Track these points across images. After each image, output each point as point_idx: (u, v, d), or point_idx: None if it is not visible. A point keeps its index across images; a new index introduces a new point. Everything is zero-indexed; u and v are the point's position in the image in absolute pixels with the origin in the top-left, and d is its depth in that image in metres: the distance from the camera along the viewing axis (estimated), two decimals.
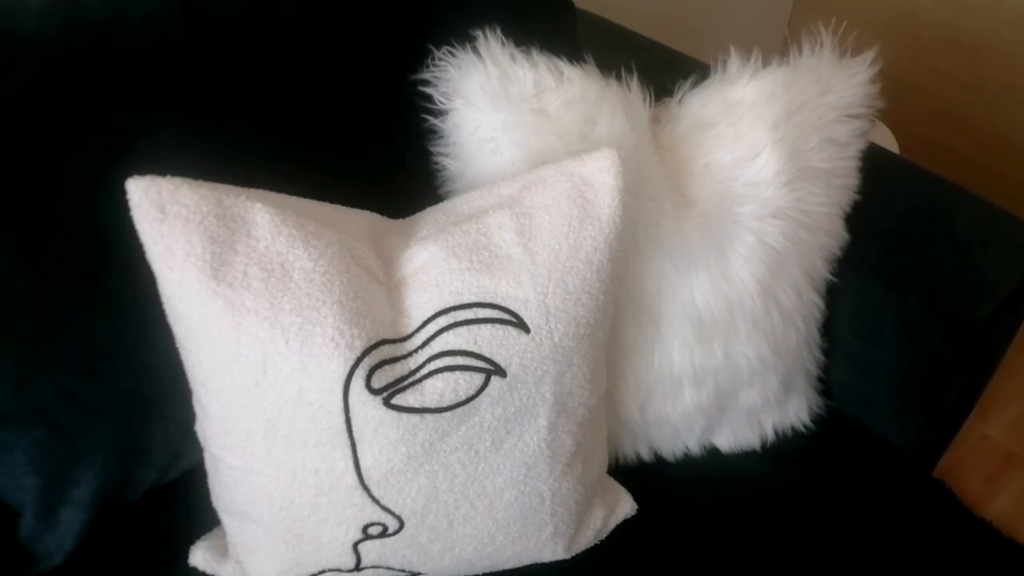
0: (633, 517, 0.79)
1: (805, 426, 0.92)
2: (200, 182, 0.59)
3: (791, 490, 0.87)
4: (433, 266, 0.63)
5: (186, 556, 0.71)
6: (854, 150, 0.82)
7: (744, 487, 0.87)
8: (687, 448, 0.87)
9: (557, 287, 0.62)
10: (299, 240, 0.60)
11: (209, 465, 0.67)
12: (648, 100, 0.80)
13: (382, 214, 0.73)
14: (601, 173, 0.64)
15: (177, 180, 0.58)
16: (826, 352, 0.91)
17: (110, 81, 0.65)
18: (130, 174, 0.58)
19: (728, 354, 0.79)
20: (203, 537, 0.73)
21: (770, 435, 0.90)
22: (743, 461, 0.90)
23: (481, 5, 0.80)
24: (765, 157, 0.75)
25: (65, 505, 0.68)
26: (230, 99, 0.70)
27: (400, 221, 0.73)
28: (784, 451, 0.90)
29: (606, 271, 0.64)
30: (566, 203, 0.63)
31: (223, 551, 0.71)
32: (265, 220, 0.60)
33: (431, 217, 0.70)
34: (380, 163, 0.78)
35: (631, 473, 0.84)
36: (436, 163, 0.78)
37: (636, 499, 0.80)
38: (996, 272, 0.85)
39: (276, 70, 0.72)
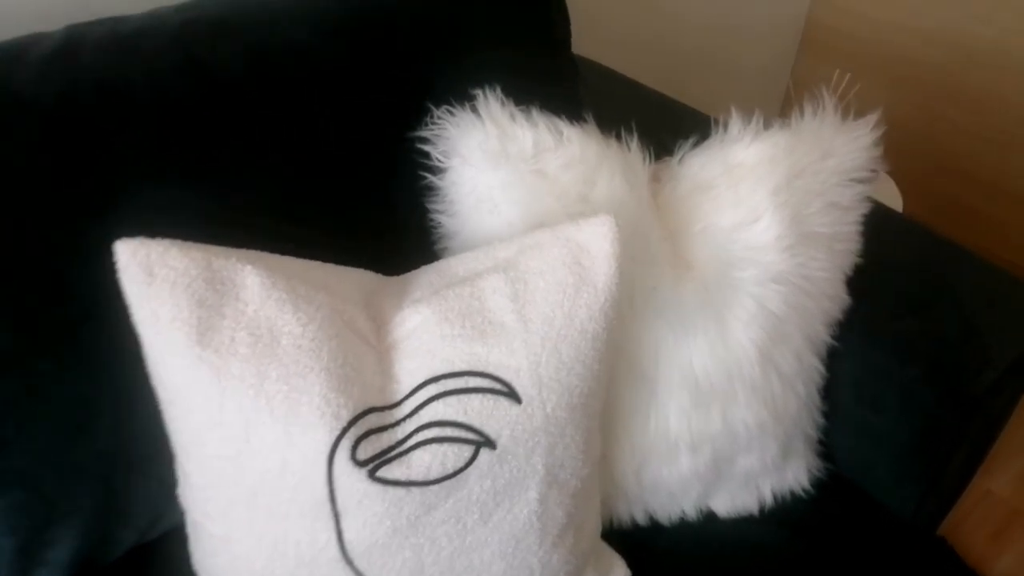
0: None
1: (805, 490, 0.89)
2: (190, 244, 0.58)
3: (790, 556, 0.84)
4: (425, 331, 0.62)
5: None
6: (857, 214, 0.81)
7: (742, 553, 0.85)
8: (683, 512, 0.85)
9: (550, 356, 0.61)
10: (288, 304, 0.59)
11: (190, 530, 0.65)
12: (648, 159, 0.79)
13: (378, 271, 0.72)
14: (598, 240, 0.63)
15: (166, 242, 0.57)
16: (827, 415, 0.89)
17: (106, 139, 0.64)
18: (120, 234, 0.57)
19: (726, 420, 0.78)
20: None
21: (769, 499, 0.88)
22: (741, 526, 0.87)
23: (482, 63, 0.80)
24: (766, 221, 0.74)
25: (41, 567, 0.66)
26: (227, 158, 0.69)
27: (395, 279, 0.72)
28: (783, 516, 0.88)
29: (601, 340, 0.63)
30: (562, 269, 0.62)
31: None
32: (255, 283, 0.59)
33: (425, 277, 0.69)
34: (377, 220, 0.78)
35: (625, 537, 0.82)
36: (433, 220, 0.78)
37: (630, 565, 0.78)
38: (1000, 339, 0.83)
39: (274, 128, 0.72)
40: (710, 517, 0.87)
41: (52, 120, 0.62)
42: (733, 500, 0.86)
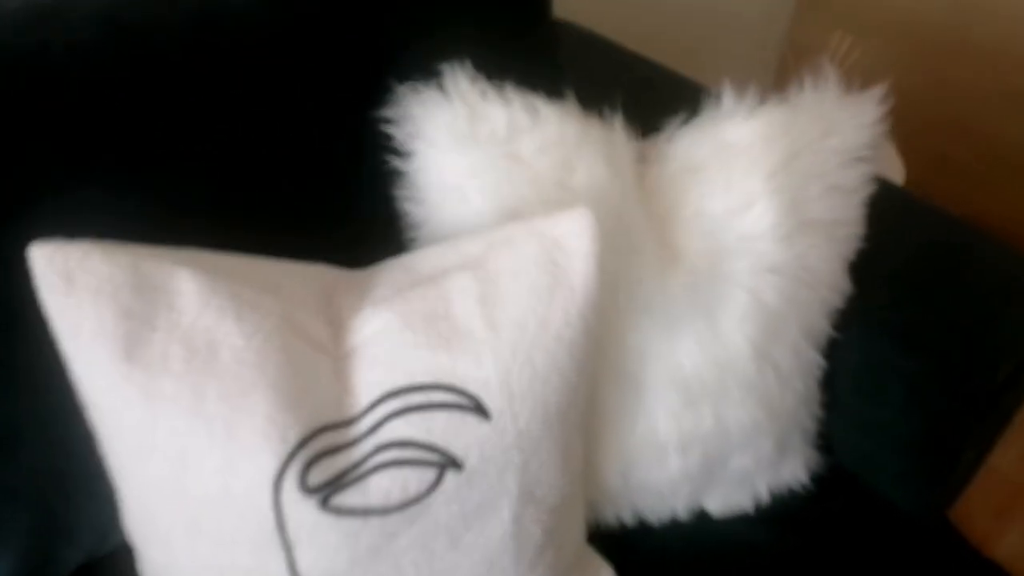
0: None
1: (803, 486, 0.85)
2: (116, 246, 0.52)
3: (787, 554, 0.80)
4: (386, 337, 0.56)
5: None
6: (860, 196, 0.74)
7: (737, 554, 0.80)
8: (674, 512, 0.80)
9: (523, 367, 0.55)
10: (230, 312, 0.53)
11: (136, 554, 0.60)
12: (633, 138, 0.72)
13: (339, 264, 0.66)
14: (574, 236, 0.56)
15: (87, 245, 0.51)
16: (826, 406, 0.84)
17: (19, 123, 0.57)
18: (37, 235, 0.51)
19: (718, 420, 0.72)
20: None
21: (764, 497, 0.83)
22: (735, 525, 0.83)
23: (449, 33, 0.72)
24: (761, 208, 0.68)
25: None
26: (160, 142, 0.62)
27: (357, 274, 0.66)
28: (780, 513, 0.83)
29: (579, 346, 0.57)
30: (535, 269, 0.56)
31: None
32: (190, 289, 0.52)
33: (389, 274, 0.63)
34: (336, 209, 0.71)
35: (612, 540, 0.77)
36: (400, 208, 0.71)
37: (618, 569, 0.73)
38: (1016, 328, 0.77)
39: (215, 108, 0.65)
40: (702, 516, 0.82)
41: None
42: (727, 499, 0.82)
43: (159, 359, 0.51)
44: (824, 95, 0.73)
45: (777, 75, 1.85)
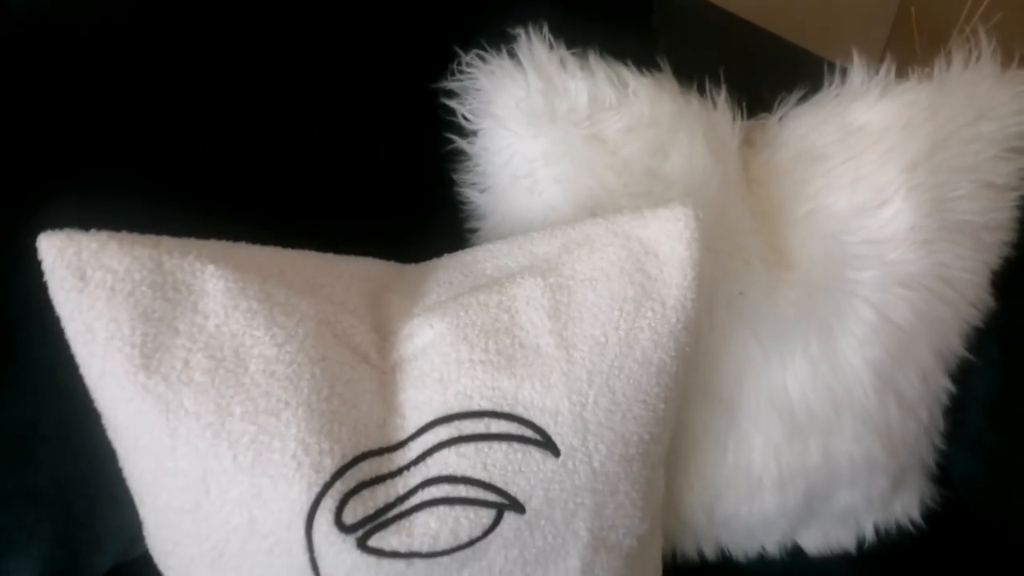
0: None
1: (914, 523, 0.73)
2: (136, 237, 0.45)
3: None
4: (437, 352, 0.48)
5: None
6: (1015, 196, 0.61)
7: None
8: (763, 549, 0.70)
9: (600, 395, 0.46)
10: (261, 316, 0.45)
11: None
12: (738, 118, 0.61)
13: (390, 256, 0.58)
14: (670, 239, 0.47)
15: (103, 236, 0.44)
16: (949, 437, 0.72)
17: (33, 111, 0.51)
18: (51, 223, 0.44)
19: (826, 454, 0.62)
20: None
21: (870, 535, 0.72)
22: (834, 565, 0.72)
23: None
24: (896, 207, 0.57)
25: None
26: (191, 114, 0.55)
27: (410, 270, 0.58)
28: (886, 553, 0.72)
29: (669, 373, 0.48)
30: (619, 278, 0.47)
31: None
32: (218, 289, 0.45)
33: (445, 273, 0.55)
34: (388, 192, 0.63)
35: (693, 573, 0.68)
36: (460, 195, 0.62)
37: None
38: None
39: (254, 76, 0.57)
40: (796, 553, 0.72)
41: None
42: (827, 537, 0.71)
43: (180, 368, 0.44)
44: (977, 71, 0.60)
45: (889, 37, 1.67)
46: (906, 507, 0.72)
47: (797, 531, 0.70)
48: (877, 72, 0.61)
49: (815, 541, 0.71)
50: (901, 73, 0.61)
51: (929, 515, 0.74)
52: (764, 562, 0.71)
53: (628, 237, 0.48)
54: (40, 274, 0.45)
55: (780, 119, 0.64)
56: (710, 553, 0.70)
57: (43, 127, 0.51)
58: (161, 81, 0.54)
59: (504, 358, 0.46)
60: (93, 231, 0.44)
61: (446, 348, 0.48)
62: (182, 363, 0.44)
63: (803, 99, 0.64)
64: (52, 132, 0.51)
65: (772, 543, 0.70)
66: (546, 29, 0.58)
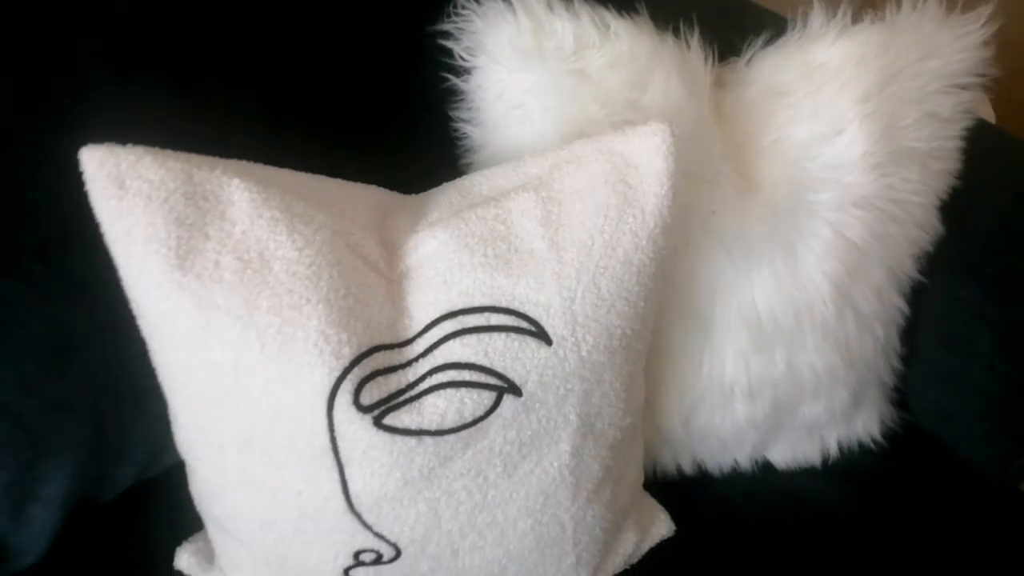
0: (671, 538, 0.69)
1: (875, 442, 0.80)
2: (168, 152, 0.50)
3: (856, 514, 0.75)
4: (441, 259, 0.53)
5: (170, 556, 0.65)
6: (958, 127, 0.68)
7: (802, 510, 0.76)
8: (736, 463, 0.77)
9: (587, 291, 0.51)
10: (283, 224, 0.50)
11: (188, 471, 0.59)
12: (710, 60, 0.67)
13: (392, 188, 0.63)
14: (648, 153, 0.52)
15: (140, 150, 0.49)
16: (905, 360, 0.79)
17: (71, 27, 0.56)
18: (89, 139, 0.49)
19: (791, 364, 0.68)
20: (190, 539, 0.66)
21: (834, 451, 0.78)
22: (801, 480, 0.78)
23: None
24: (851, 134, 0.63)
25: (34, 502, 0.62)
26: (214, 51, 0.60)
27: (412, 197, 0.63)
28: (850, 470, 0.79)
29: (648, 272, 0.53)
30: (603, 189, 0.52)
31: (209, 557, 0.64)
32: (243, 199, 0.50)
33: (445, 196, 0.60)
34: (391, 129, 0.68)
35: (670, 488, 0.74)
36: (456, 129, 0.68)
37: (675, 517, 0.70)
38: None
39: (269, 18, 0.62)
40: (767, 468, 0.78)
41: (9, 3, 0.54)
42: (793, 451, 0.77)
43: (211, 268, 0.49)
44: (924, 14, 0.67)
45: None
46: (867, 425, 0.79)
47: (767, 444, 0.76)
48: (834, 17, 0.67)
49: (783, 455, 0.78)
50: (856, 19, 0.67)
51: (889, 435, 0.80)
52: (737, 475, 0.77)
53: (611, 152, 0.53)
54: (75, 189, 0.49)
55: (748, 61, 0.69)
56: (687, 467, 0.76)
57: (79, 49, 0.56)
58: (187, 18, 0.59)
59: (501, 261, 0.52)
60: (129, 146, 0.49)
61: (448, 255, 0.53)
62: (213, 264, 0.49)
63: (769, 43, 0.70)
64: (86, 55, 0.56)
65: (744, 456, 0.76)
66: None
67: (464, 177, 0.62)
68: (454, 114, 0.67)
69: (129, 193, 0.48)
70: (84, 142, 0.49)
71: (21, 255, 0.56)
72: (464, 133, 0.67)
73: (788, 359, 0.67)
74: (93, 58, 0.56)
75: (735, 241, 0.63)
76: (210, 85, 0.60)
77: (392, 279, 0.55)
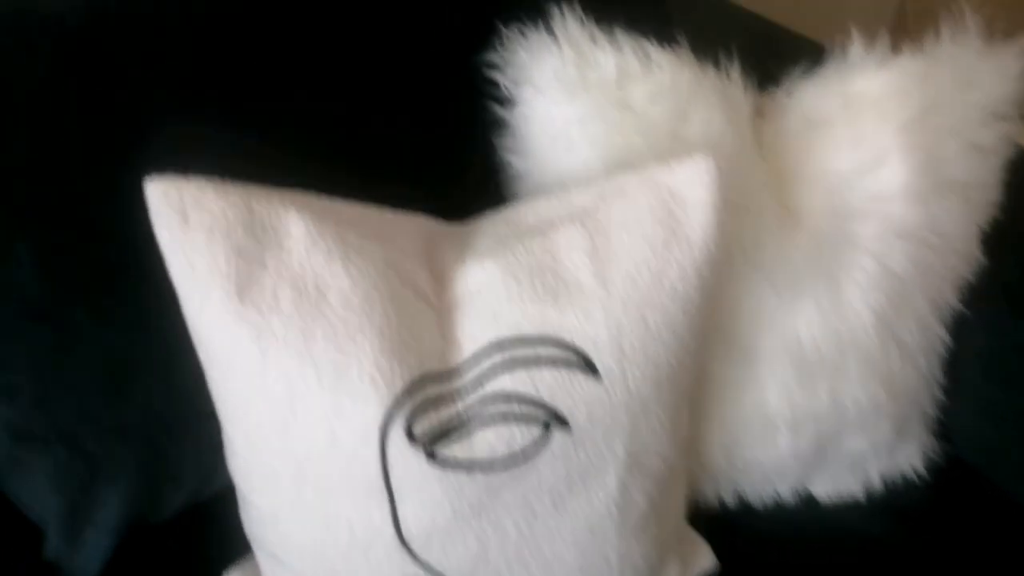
0: (713, 572, 0.69)
1: (918, 475, 0.79)
2: (228, 184, 0.52)
3: (899, 547, 0.74)
4: (490, 289, 0.54)
5: None
6: (999, 158, 0.68)
7: (844, 542, 0.75)
8: (778, 495, 0.76)
9: (635, 323, 0.52)
10: (337, 256, 0.52)
11: (239, 498, 0.60)
12: (750, 90, 0.68)
13: (438, 217, 0.65)
14: (693, 186, 0.53)
15: (202, 182, 0.51)
16: (948, 392, 0.78)
17: (137, 64, 0.58)
18: (153, 171, 0.51)
19: (834, 397, 0.67)
20: (238, 563, 0.67)
21: (877, 484, 0.78)
22: (843, 513, 0.78)
23: None
24: (892, 165, 0.63)
25: (89, 526, 0.63)
26: (267, 86, 0.62)
27: (458, 227, 0.64)
28: (892, 503, 0.78)
29: (694, 304, 0.54)
30: (650, 221, 0.53)
31: None
32: (300, 231, 0.52)
33: (492, 227, 0.61)
34: (436, 158, 0.69)
35: (712, 520, 0.73)
36: (501, 159, 0.69)
37: (717, 551, 0.70)
38: None
39: (320, 52, 0.64)
40: (809, 501, 0.77)
41: (80, 41, 0.56)
42: (836, 484, 0.77)
43: (270, 299, 0.50)
44: (963, 45, 0.67)
45: (895, 22, 1.72)
46: (909, 457, 0.78)
47: (809, 477, 0.76)
48: (874, 48, 0.68)
49: (825, 487, 0.77)
50: (895, 49, 0.68)
51: (932, 468, 0.79)
52: (780, 509, 0.77)
53: (657, 185, 0.54)
54: (139, 218, 0.51)
55: (788, 92, 0.70)
56: (729, 499, 0.75)
57: (143, 82, 0.58)
58: (246, 51, 0.61)
59: (549, 293, 0.53)
60: (192, 178, 0.51)
61: (497, 286, 0.54)
62: (271, 294, 0.50)
63: (808, 72, 0.70)
64: (149, 87, 0.58)
65: (786, 488, 0.76)
66: (578, 7, 0.65)
67: (509, 207, 0.63)
68: (499, 144, 0.68)
69: (192, 225, 0.50)
70: (147, 173, 0.51)
71: (87, 284, 0.58)
72: (509, 162, 0.68)
73: (831, 391, 0.67)
74: (156, 92, 0.58)
75: (778, 272, 0.63)
76: (264, 118, 0.62)
77: (441, 309, 0.55)
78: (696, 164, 0.53)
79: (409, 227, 0.60)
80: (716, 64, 0.67)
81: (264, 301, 0.50)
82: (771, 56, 0.75)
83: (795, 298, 0.64)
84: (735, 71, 0.66)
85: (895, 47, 0.69)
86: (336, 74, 0.65)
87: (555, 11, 0.64)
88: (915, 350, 0.69)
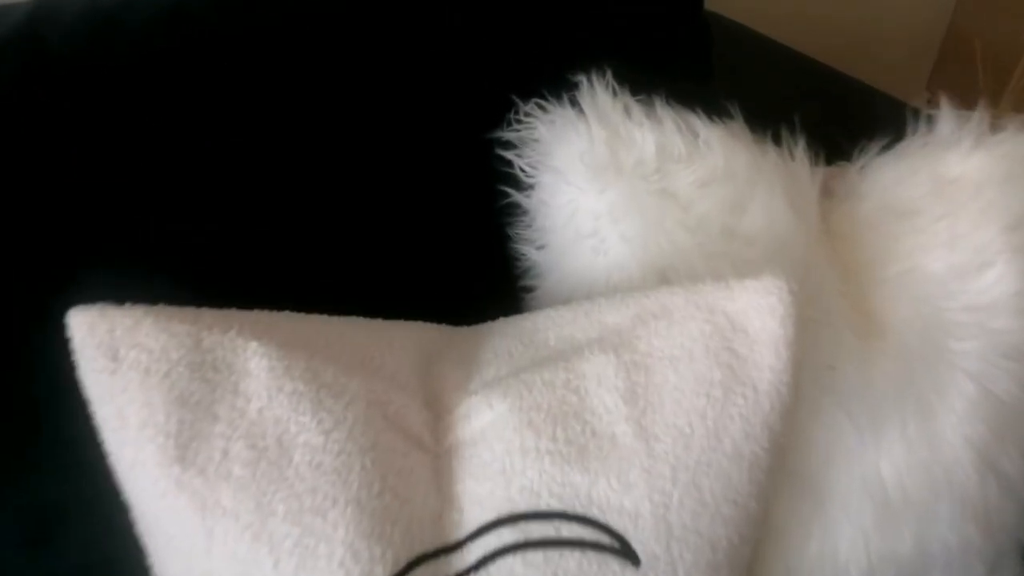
0: None
1: None
2: (173, 311, 0.42)
3: None
4: (499, 437, 0.43)
5: None
6: None
7: None
8: None
9: (686, 494, 0.41)
10: (307, 400, 0.41)
11: None
12: (816, 166, 0.57)
13: (440, 315, 0.54)
14: (761, 315, 0.42)
15: (139, 311, 0.41)
16: None
17: (69, 150, 0.48)
18: (86, 293, 0.41)
19: (920, 541, 0.55)
20: None
21: None
22: None
23: (588, 33, 0.58)
24: (998, 270, 0.51)
25: None
26: (228, 164, 0.52)
27: (462, 334, 0.54)
28: None
29: (762, 466, 0.42)
30: (704, 358, 0.42)
31: None
32: (261, 369, 0.41)
33: (503, 342, 0.50)
34: (439, 248, 0.58)
35: None
36: (516, 251, 0.58)
37: None
38: None
39: (296, 124, 0.53)
40: None
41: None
42: None
43: (218, 459, 0.40)
44: None
45: (936, 69, 1.62)
46: None
47: None
48: (967, 120, 0.56)
49: None
50: (964, 104, 0.56)
51: None
52: None
53: (712, 310, 0.43)
54: (68, 351, 0.41)
55: (861, 168, 0.59)
56: None
57: (74, 197, 0.48)
58: (206, 134, 0.50)
59: (575, 448, 0.41)
60: (127, 305, 0.41)
61: (508, 434, 0.43)
62: (221, 453, 0.40)
63: (886, 146, 0.59)
64: (85, 200, 0.48)
65: None
66: (609, 75, 0.54)
67: (526, 316, 0.52)
68: (514, 234, 0.57)
69: (124, 365, 0.40)
70: (77, 300, 0.41)
71: (7, 426, 0.48)
72: (525, 255, 0.57)
73: (917, 535, 0.55)
74: (84, 184, 0.48)
75: (857, 399, 0.51)
76: (219, 210, 0.51)
77: (439, 454, 0.45)
78: (764, 287, 0.42)
79: (401, 340, 0.50)
80: (776, 138, 0.55)
81: (212, 463, 0.39)
82: (834, 116, 0.64)
83: (877, 429, 0.52)
84: (799, 147, 0.55)
85: (961, 103, 0.57)
86: (317, 154, 0.54)
87: (582, 81, 0.53)
88: (1016, 481, 0.57)
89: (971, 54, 1.36)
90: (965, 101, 0.57)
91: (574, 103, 0.54)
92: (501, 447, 0.43)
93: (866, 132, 0.61)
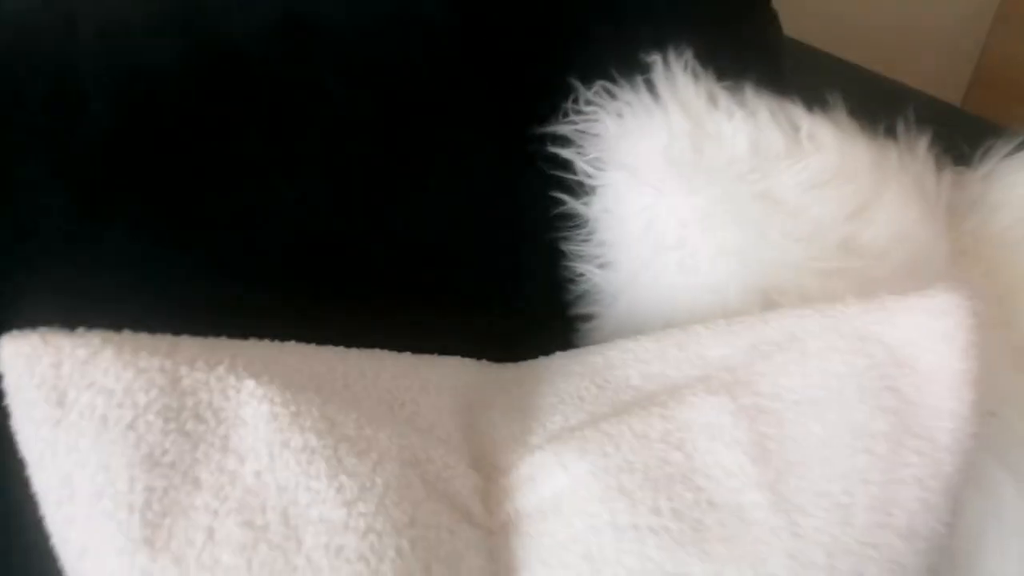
0: None
1: None
2: (143, 339, 0.31)
3: None
4: (578, 509, 0.32)
5: None
6: None
7: None
8: None
9: None
10: (322, 460, 0.31)
11: None
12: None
13: (480, 350, 0.43)
14: (934, 344, 0.31)
15: (95, 339, 0.31)
16: None
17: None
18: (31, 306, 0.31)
19: None
20: None
21: None
22: None
23: (656, 24, 0.48)
24: None
25: None
26: (237, 161, 0.41)
27: (511, 372, 0.43)
28: None
29: (936, 540, 0.31)
30: (859, 403, 0.31)
31: None
32: (260, 417, 0.31)
33: (567, 381, 0.40)
34: (480, 267, 0.48)
35: None
36: (571, 271, 0.47)
37: None
38: None
39: (317, 115, 0.43)
40: None
41: None
42: None
43: (201, 543, 0.29)
44: None
45: (969, 89, 1.59)
46: None
47: None
48: None
49: None
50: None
51: None
52: None
53: (863, 339, 0.32)
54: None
55: (986, 176, 0.49)
56: None
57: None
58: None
59: (688, 526, 0.30)
60: (80, 331, 0.30)
61: (592, 505, 0.32)
62: (204, 534, 0.29)
63: (1011, 152, 0.49)
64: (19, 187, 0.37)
65: None
66: (690, 55, 0.44)
67: (591, 350, 0.41)
68: (569, 249, 0.47)
69: (72, 413, 0.30)
70: (17, 314, 0.30)
71: None
72: (583, 277, 0.47)
73: None
74: (49, 180, 0.37)
75: (1019, 452, 0.40)
76: (214, 216, 0.40)
77: (494, 530, 0.34)
78: (935, 305, 0.31)
79: (439, 381, 0.39)
80: (892, 132, 0.46)
81: (192, 548, 0.29)
82: (939, 129, 0.54)
83: None
84: (922, 147, 0.45)
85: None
86: (335, 157, 0.44)
87: (657, 61, 0.43)
88: None
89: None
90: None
91: (649, 88, 0.44)
92: (582, 523, 0.32)
93: (952, 138, 0.51)
